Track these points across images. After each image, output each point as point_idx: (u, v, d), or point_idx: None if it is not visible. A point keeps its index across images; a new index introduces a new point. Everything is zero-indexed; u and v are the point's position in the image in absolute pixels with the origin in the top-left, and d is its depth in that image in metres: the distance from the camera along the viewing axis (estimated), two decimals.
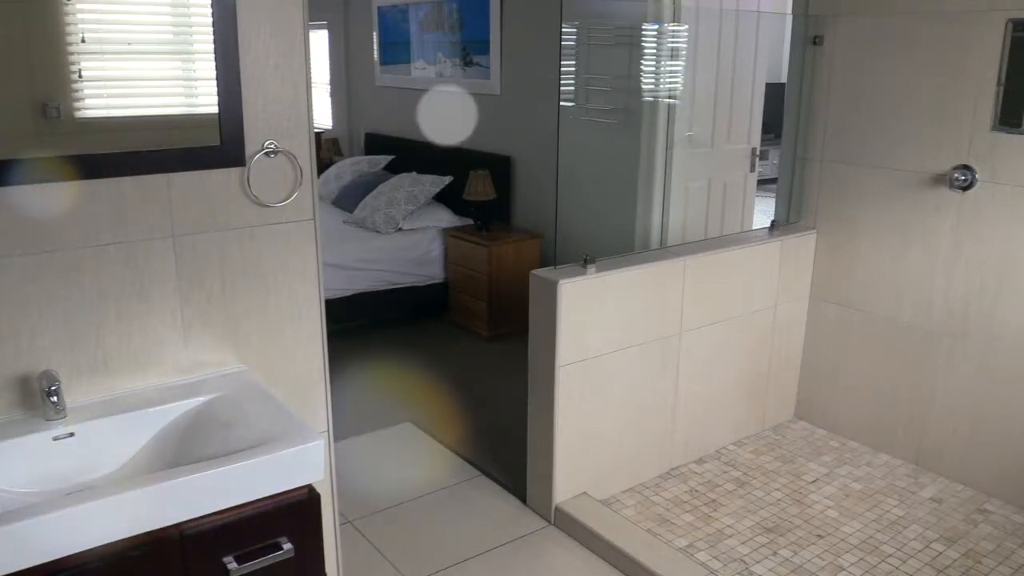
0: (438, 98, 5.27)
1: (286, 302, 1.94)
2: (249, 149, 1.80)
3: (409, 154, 5.40)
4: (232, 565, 1.46)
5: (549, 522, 2.78)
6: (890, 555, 2.61)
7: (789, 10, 3.35)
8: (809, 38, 3.17)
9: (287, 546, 1.52)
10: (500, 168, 4.73)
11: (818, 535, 2.70)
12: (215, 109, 1.73)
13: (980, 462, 2.93)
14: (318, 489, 1.57)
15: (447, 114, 5.21)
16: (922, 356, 3.02)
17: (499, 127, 4.82)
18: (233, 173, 1.79)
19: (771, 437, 3.35)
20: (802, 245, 3.27)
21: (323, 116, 6.36)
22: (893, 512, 2.84)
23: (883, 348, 3.14)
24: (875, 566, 2.55)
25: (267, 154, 1.82)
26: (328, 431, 2.08)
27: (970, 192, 2.78)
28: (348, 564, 2.35)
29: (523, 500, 2.89)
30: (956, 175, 2.79)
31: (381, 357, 4.19)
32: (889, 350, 3.12)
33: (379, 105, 5.91)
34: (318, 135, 6.02)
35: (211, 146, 1.75)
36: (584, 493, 2.81)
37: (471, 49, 4.97)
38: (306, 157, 1.90)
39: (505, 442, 3.27)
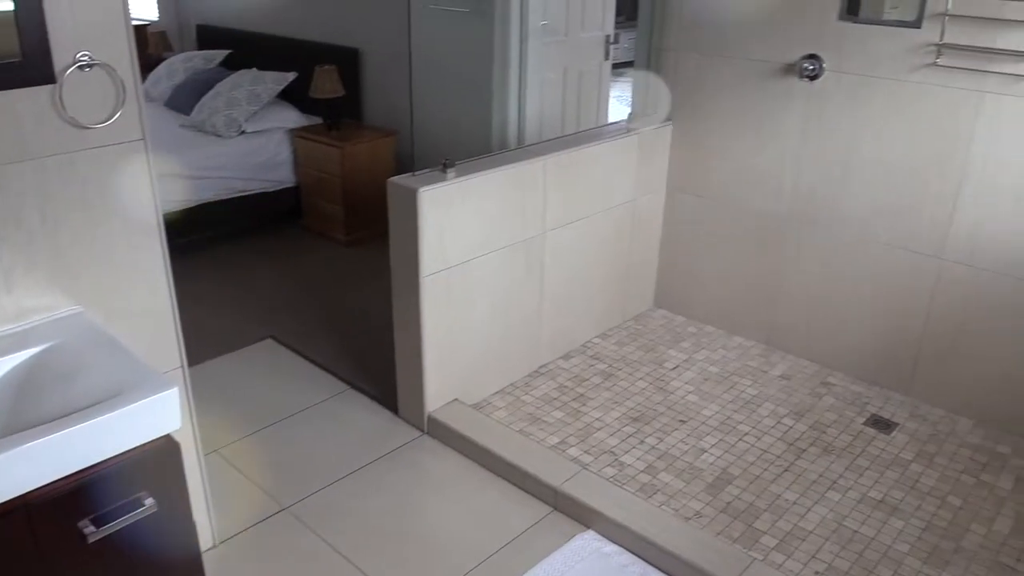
0: None
1: (120, 232, 1.76)
2: (58, 63, 1.58)
3: (247, 48, 5.02)
4: (89, 529, 1.36)
5: (422, 431, 2.77)
6: (746, 433, 2.76)
7: None
8: None
9: (148, 501, 1.42)
10: (348, 62, 4.47)
11: (681, 420, 2.82)
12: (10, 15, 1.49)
13: (823, 339, 3.13)
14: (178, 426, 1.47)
15: (285, 4, 4.85)
16: (772, 242, 3.15)
17: (344, 17, 4.54)
18: (42, 92, 1.58)
19: (633, 327, 3.45)
20: (658, 137, 3.28)
21: (147, 6, 5.78)
22: (747, 392, 3.00)
23: (736, 236, 3.24)
24: (733, 445, 2.70)
25: (81, 67, 1.61)
26: (182, 367, 1.95)
27: (818, 81, 2.85)
28: (218, 499, 2.27)
29: (395, 411, 2.86)
30: (805, 64, 2.84)
31: (234, 271, 4.00)
32: (742, 237, 3.23)
33: None
34: (143, 28, 5.48)
35: (12, 62, 1.52)
36: (455, 399, 2.81)
37: None
38: (128, 68, 1.69)
39: (372, 352, 3.21)
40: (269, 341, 3.33)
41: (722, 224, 3.27)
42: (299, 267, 4.07)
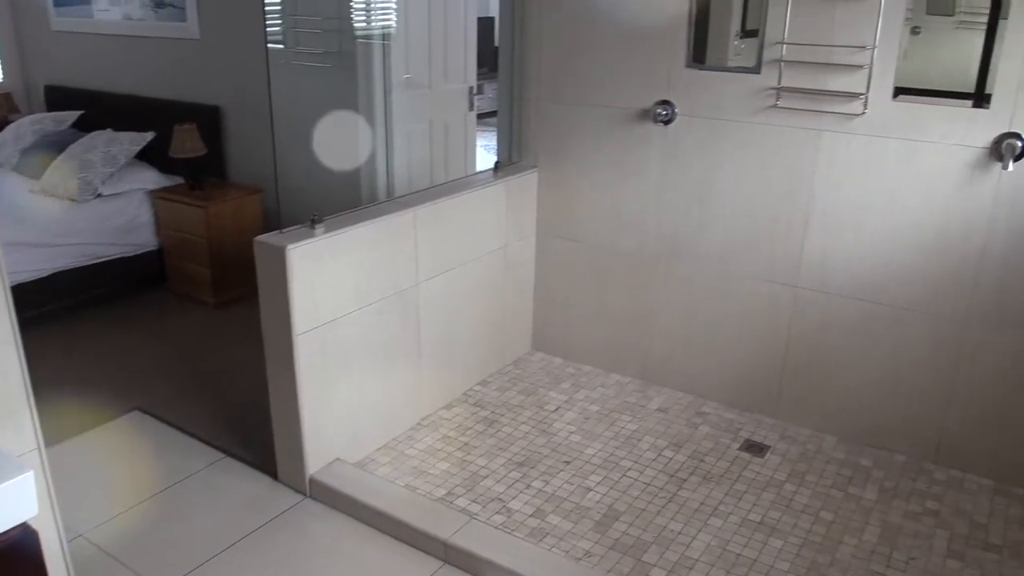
0: (129, 44, 4.75)
1: None
2: None
3: (101, 109, 4.84)
4: None
5: (304, 495, 2.69)
6: (629, 468, 2.82)
7: None
8: None
9: None
10: (208, 120, 4.38)
11: (565, 461, 2.85)
12: None
13: (695, 370, 3.24)
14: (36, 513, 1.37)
15: (141, 62, 4.72)
16: (641, 280, 3.26)
17: (203, 75, 4.45)
18: None
19: (513, 372, 3.48)
20: (525, 184, 3.35)
21: None
22: (628, 427, 3.07)
23: (606, 275, 3.34)
24: (618, 481, 2.75)
25: None
26: (39, 448, 1.83)
27: (672, 125, 2.99)
28: None
29: (274, 476, 2.76)
30: (658, 110, 2.98)
31: (95, 341, 3.79)
32: (612, 277, 3.33)
33: (59, 53, 5.21)
34: None
35: None
36: (337, 459, 2.74)
37: None
38: None
39: (248, 416, 3.10)
40: (136, 413, 3.17)
41: (592, 265, 3.36)
42: (166, 333, 3.90)
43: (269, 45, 3.77)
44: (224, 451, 2.92)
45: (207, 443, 2.97)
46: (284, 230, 2.53)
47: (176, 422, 3.10)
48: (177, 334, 3.89)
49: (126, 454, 2.92)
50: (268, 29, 3.81)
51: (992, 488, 2.72)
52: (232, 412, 3.18)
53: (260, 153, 4.27)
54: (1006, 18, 2.36)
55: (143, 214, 4.25)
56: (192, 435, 3.02)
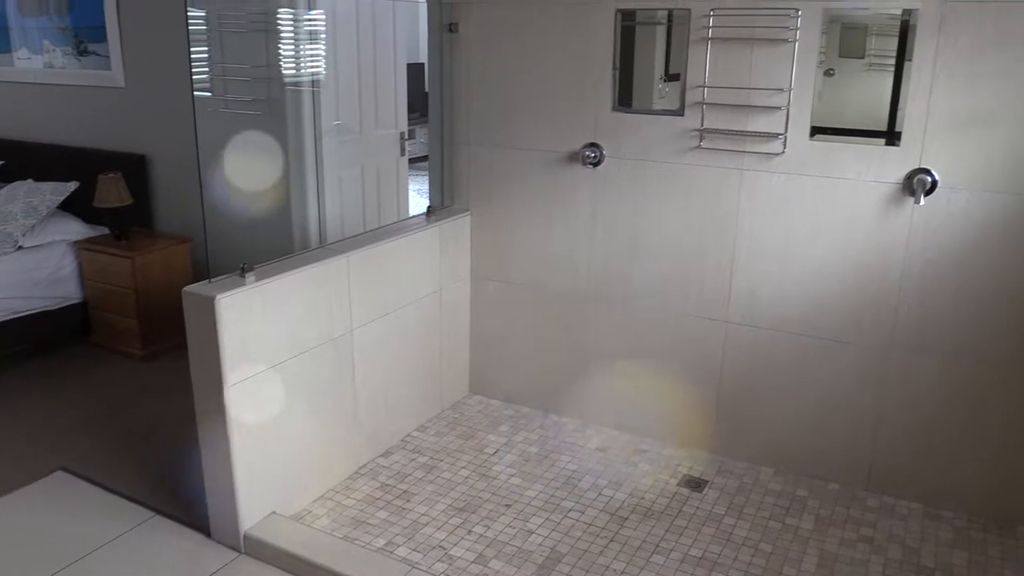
0: (51, 93, 4.66)
1: None
2: None
3: (21, 159, 4.71)
4: None
5: (239, 552, 2.60)
6: (570, 509, 2.81)
7: None
8: (444, 25, 3.23)
9: None
10: (134, 169, 4.30)
11: (506, 504, 2.83)
12: None
13: (632, 408, 3.27)
14: None
15: (64, 111, 4.62)
16: (575, 319, 3.28)
17: (128, 123, 4.38)
18: None
19: (451, 416, 3.45)
20: (458, 228, 3.37)
21: None
22: (568, 468, 3.06)
23: (541, 317, 3.36)
24: (559, 522, 2.74)
25: None
26: None
27: (600, 167, 3.05)
28: None
29: (207, 534, 2.68)
30: (587, 152, 3.03)
31: (17, 398, 3.65)
32: (547, 318, 3.35)
33: None
34: None
35: None
36: (273, 512, 2.67)
37: (84, 36, 4.44)
38: None
39: (179, 473, 3.01)
40: (59, 473, 3.04)
41: (527, 307, 3.38)
42: (91, 388, 3.77)
43: (196, 93, 3.74)
44: (154, 510, 2.82)
45: (136, 502, 2.86)
46: (213, 279, 2.48)
47: (103, 481, 2.99)
48: (103, 388, 3.77)
49: (50, 517, 2.80)
50: (195, 77, 3.78)
51: (922, 512, 2.79)
52: (162, 469, 3.08)
53: (188, 203, 4.21)
54: (911, 60, 2.48)
55: (67, 266, 4.13)
56: (120, 494, 2.91)
